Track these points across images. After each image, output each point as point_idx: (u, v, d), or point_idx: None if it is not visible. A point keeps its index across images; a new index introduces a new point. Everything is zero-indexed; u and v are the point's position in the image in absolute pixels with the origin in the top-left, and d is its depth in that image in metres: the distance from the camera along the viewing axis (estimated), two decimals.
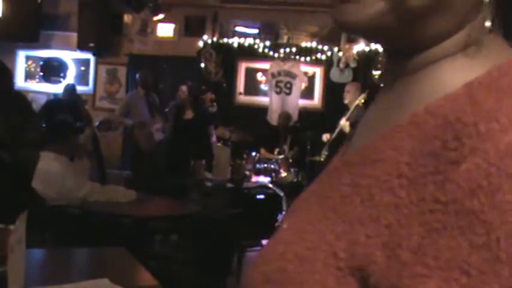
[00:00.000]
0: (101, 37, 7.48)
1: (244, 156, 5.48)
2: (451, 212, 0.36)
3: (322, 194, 0.49)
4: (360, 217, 0.41)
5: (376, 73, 7.27)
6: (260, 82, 7.81)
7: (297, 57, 7.57)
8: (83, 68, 7.96)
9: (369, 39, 0.50)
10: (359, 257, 0.39)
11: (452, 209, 0.36)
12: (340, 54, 7.38)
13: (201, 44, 7.53)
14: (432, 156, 0.39)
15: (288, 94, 7.65)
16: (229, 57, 7.57)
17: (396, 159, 0.41)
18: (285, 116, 6.82)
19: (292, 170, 5.55)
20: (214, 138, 5.72)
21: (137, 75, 6.42)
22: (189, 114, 5.76)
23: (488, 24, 0.44)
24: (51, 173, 3.15)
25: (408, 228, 0.37)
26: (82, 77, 7.93)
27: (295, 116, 7.25)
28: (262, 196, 4.47)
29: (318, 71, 7.68)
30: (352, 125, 5.52)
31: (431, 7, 0.43)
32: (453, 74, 0.44)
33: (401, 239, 0.37)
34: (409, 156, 0.40)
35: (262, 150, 6.16)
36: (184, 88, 5.76)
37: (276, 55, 7.59)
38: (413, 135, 0.41)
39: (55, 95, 7.41)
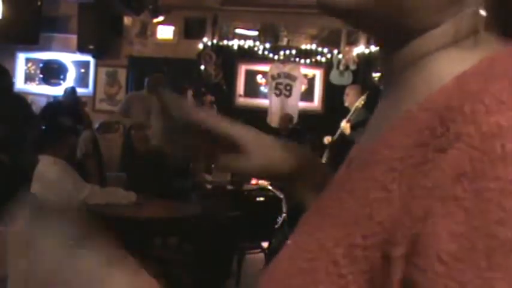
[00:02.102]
0: (100, 39, 7.47)
1: None
2: (436, 197, 0.34)
3: (322, 204, 0.47)
4: (355, 218, 0.39)
5: (376, 75, 7.26)
6: (260, 84, 7.81)
7: (297, 59, 7.56)
8: (82, 70, 7.96)
9: (352, 24, 0.47)
10: (360, 260, 0.38)
11: (437, 194, 0.34)
12: (340, 56, 7.38)
13: (201, 46, 7.53)
14: (422, 147, 0.37)
15: (288, 96, 7.64)
16: (229, 60, 7.56)
17: (391, 157, 0.40)
18: (287, 119, 6.82)
19: None
20: None
21: (147, 79, 6.31)
22: None
23: (483, 13, 0.42)
24: (50, 177, 3.15)
25: (398, 222, 0.36)
26: (82, 79, 7.93)
27: (295, 118, 7.25)
28: (262, 198, 4.47)
29: (317, 73, 7.68)
30: (353, 127, 5.54)
31: None
32: (446, 67, 0.42)
33: (392, 235, 0.36)
34: (401, 151, 0.39)
35: None
36: (191, 92, 5.76)
37: (276, 57, 7.59)
38: (406, 132, 0.40)
39: (55, 97, 7.41)
